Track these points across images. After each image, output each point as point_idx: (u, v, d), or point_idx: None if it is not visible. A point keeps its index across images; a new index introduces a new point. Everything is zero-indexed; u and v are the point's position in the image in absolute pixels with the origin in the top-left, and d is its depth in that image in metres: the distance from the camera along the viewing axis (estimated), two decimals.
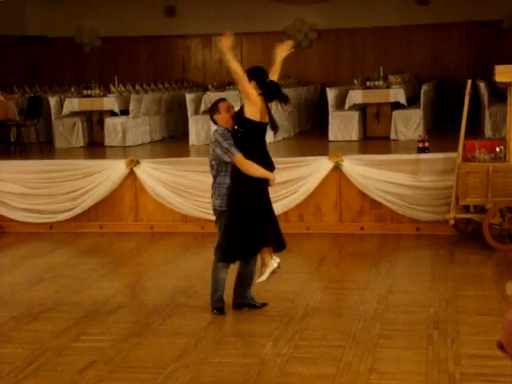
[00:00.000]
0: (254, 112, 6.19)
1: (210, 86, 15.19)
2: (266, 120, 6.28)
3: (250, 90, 6.17)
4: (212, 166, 6.46)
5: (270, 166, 6.34)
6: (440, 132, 13.25)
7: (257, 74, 6.27)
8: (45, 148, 12.73)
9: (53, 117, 13.59)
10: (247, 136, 6.24)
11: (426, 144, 10.01)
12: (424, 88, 13.21)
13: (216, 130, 6.46)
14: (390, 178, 9.62)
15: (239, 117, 6.27)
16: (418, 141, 10.19)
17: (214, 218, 6.62)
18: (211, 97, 12.94)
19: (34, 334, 6.25)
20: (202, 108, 13.19)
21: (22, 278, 8.06)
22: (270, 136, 12.88)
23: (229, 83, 15.06)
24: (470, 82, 9.05)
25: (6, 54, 18.32)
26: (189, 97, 13.41)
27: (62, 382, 5.21)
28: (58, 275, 8.22)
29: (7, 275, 8.30)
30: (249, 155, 6.21)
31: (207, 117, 12.78)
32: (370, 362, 5.38)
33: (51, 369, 5.47)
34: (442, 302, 6.79)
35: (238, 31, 18.16)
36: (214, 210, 6.54)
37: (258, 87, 6.20)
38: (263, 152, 6.35)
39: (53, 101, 13.65)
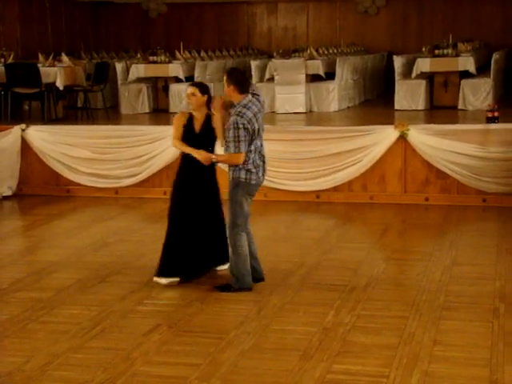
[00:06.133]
0: None
1: (275, 54, 15.11)
2: None
3: None
4: None
5: None
6: (510, 102, 12.93)
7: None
8: (111, 113, 12.87)
9: (119, 83, 13.73)
10: None
11: (496, 114, 9.80)
12: (495, 56, 12.89)
13: None
14: (457, 149, 9.43)
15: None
16: (487, 110, 9.99)
17: None
18: (276, 64, 12.88)
19: (99, 296, 6.37)
20: (267, 75, 13.13)
21: (87, 242, 8.21)
22: (334, 105, 12.95)
23: (294, 50, 14.95)
24: None
25: (74, 19, 18.52)
26: (254, 64, 13.36)
27: (127, 343, 5.30)
28: (123, 239, 8.34)
29: (74, 238, 8.45)
30: None
31: (272, 84, 12.92)
32: (433, 334, 5.33)
33: (116, 331, 5.58)
34: (509, 274, 6.66)
35: None
36: None
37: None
38: None
39: (119, 67, 13.77)
